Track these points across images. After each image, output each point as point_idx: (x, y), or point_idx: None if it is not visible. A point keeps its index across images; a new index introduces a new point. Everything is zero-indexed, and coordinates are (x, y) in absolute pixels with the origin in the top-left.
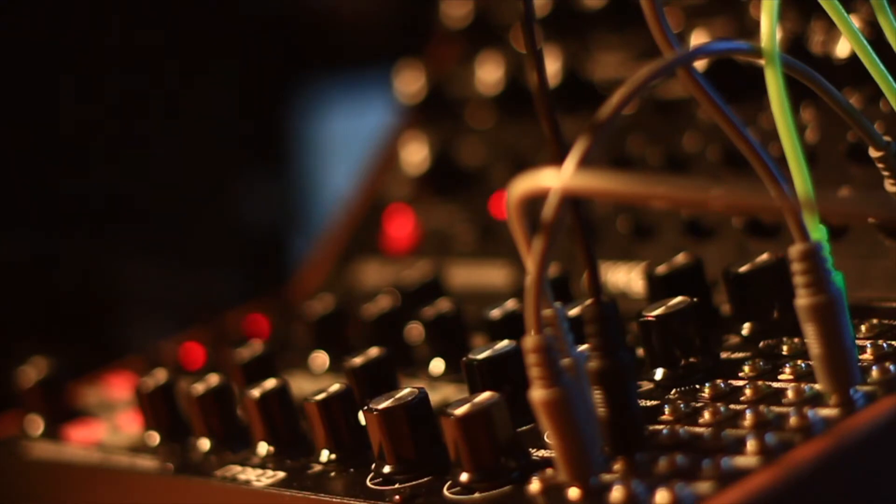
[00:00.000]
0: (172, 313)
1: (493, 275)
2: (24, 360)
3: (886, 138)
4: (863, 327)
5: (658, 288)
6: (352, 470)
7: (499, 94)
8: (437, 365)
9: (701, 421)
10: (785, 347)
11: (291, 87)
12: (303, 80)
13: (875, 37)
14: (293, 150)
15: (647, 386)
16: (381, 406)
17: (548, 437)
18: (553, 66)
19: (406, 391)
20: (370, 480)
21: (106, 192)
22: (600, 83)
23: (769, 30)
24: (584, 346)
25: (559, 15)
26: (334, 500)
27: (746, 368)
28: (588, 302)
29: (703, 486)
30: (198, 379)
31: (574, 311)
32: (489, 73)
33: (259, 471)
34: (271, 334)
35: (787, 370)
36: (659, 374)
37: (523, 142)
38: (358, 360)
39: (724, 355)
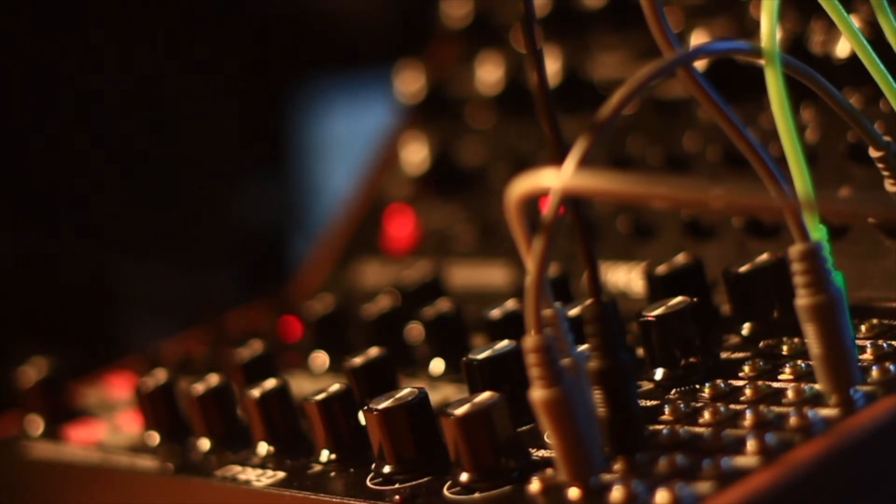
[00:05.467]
0: (172, 313)
1: (493, 275)
2: (24, 360)
3: (886, 138)
4: (863, 327)
5: (658, 288)
6: (352, 470)
7: (499, 94)
8: (437, 365)
9: (701, 421)
10: (785, 347)
11: (291, 87)
12: (303, 80)
13: (875, 37)
14: (293, 150)
15: (647, 386)
16: (381, 406)
17: (548, 437)
18: (553, 66)
19: (406, 391)
20: (370, 480)
21: (106, 191)
22: (600, 83)
23: (769, 30)
24: (584, 346)
25: (559, 15)
26: (334, 500)
27: (746, 368)
28: (588, 302)
29: (703, 486)
30: (198, 378)
31: (574, 311)
32: (489, 73)
33: (259, 471)
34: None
35: (787, 370)
36: (659, 374)
37: (523, 142)
38: (358, 360)
39: (724, 355)
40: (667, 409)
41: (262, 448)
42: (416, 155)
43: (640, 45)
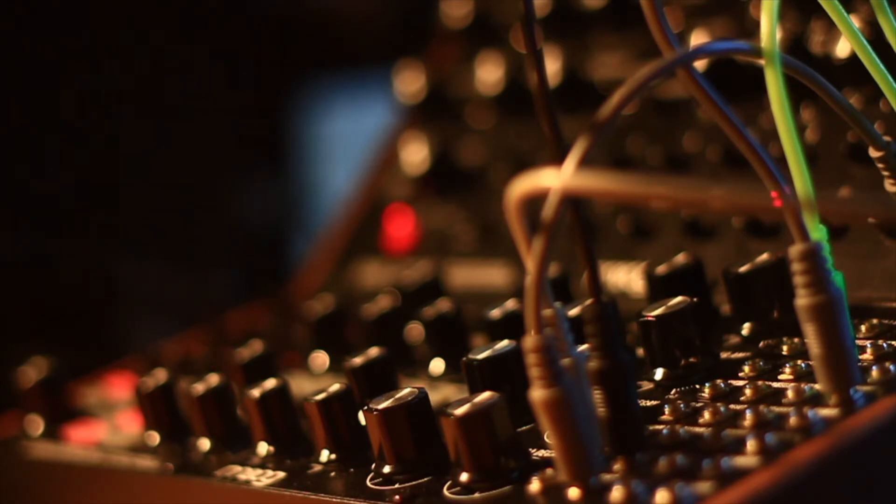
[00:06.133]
0: (172, 313)
1: (493, 275)
2: (24, 360)
3: (886, 138)
4: (863, 327)
5: (658, 288)
6: (352, 470)
7: (499, 94)
8: (437, 365)
9: (701, 421)
10: (785, 347)
11: (291, 87)
12: (303, 80)
13: (875, 37)
14: (293, 150)
15: (647, 386)
16: (381, 406)
17: (548, 437)
18: (553, 66)
19: (406, 391)
20: (370, 480)
21: (106, 191)
22: (600, 83)
23: (769, 30)
24: (584, 346)
25: (559, 15)
26: (334, 500)
27: (746, 368)
28: (588, 302)
29: (703, 486)
30: (198, 378)
31: (574, 311)
32: (489, 73)
33: (259, 471)
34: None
35: (787, 370)
36: (659, 374)
37: (523, 142)
38: (358, 360)
39: (724, 355)
40: (667, 409)
41: (262, 448)
42: (416, 155)
43: (640, 45)
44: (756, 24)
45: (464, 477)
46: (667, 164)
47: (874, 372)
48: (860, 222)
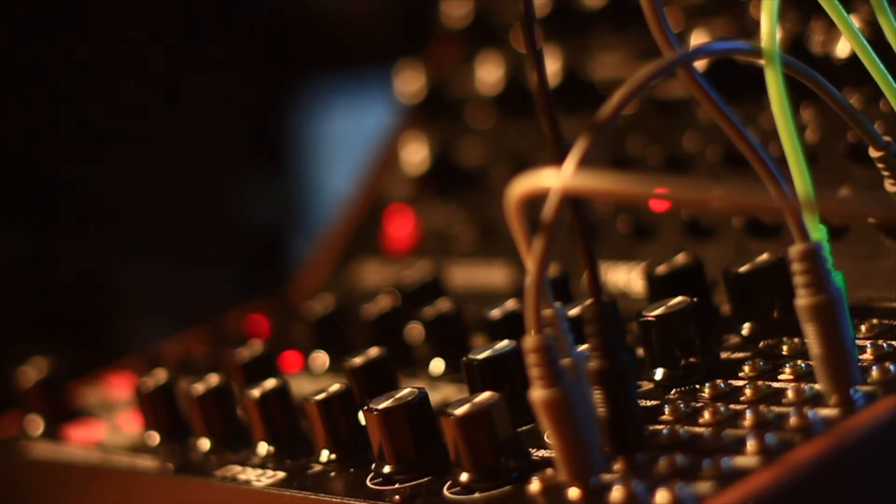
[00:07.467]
0: (172, 313)
1: (493, 275)
2: (24, 360)
3: (886, 138)
4: (863, 327)
5: (658, 288)
6: (352, 470)
7: (499, 94)
8: (437, 365)
9: (701, 421)
10: (785, 347)
11: (291, 87)
12: (303, 80)
13: (875, 37)
14: (293, 150)
15: (647, 386)
16: (381, 406)
17: (548, 437)
18: (553, 66)
19: (406, 391)
20: (370, 480)
21: (106, 191)
22: (600, 83)
23: (769, 30)
24: (584, 346)
25: (559, 15)
26: (334, 500)
27: (746, 368)
28: (588, 302)
29: (703, 486)
30: (197, 378)
31: (574, 311)
32: (489, 73)
33: (259, 471)
34: (271, 334)
35: (787, 370)
36: (659, 374)
37: (523, 142)
38: (358, 360)
39: (724, 355)
40: (667, 409)
41: (262, 448)
42: (416, 155)
43: (640, 45)
44: (756, 24)
45: (464, 477)
46: (667, 164)
47: (874, 372)
48: (860, 222)
